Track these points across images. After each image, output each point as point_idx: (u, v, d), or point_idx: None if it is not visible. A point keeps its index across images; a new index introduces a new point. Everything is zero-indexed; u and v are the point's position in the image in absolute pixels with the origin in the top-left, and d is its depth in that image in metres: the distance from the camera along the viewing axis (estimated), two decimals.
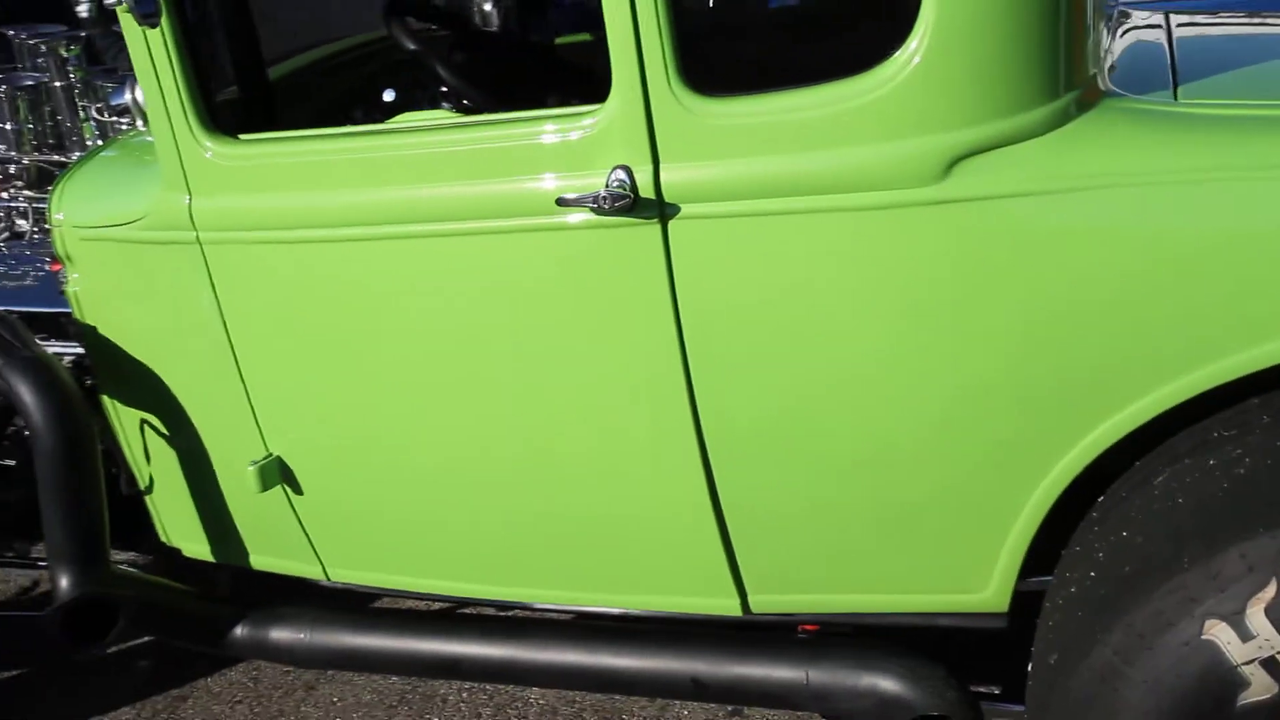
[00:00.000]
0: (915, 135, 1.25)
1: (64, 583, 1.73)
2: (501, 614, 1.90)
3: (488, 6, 2.01)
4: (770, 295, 1.35)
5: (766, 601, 1.56)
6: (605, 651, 1.65)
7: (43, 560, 1.96)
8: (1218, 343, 1.25)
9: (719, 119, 1.31)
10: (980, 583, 1.45)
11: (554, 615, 1.77)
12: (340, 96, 1.93)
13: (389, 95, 1.77)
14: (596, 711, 2.04)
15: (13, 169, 2.71)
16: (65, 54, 2.82)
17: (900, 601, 1.52)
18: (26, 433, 1.83)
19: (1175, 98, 1.34)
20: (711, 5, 1.41)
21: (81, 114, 2.77)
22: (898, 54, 1.24)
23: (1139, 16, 1.71)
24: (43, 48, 2.84)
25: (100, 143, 2.62)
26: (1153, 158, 1.24)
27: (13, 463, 2.12)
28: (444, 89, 1.79)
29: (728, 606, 1.57)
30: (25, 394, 1.73)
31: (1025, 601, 1.45)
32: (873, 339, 1.34)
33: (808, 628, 1.61)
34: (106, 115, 2.66)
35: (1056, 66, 1.26)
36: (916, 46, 1.23)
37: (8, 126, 2.74)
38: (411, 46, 1.75)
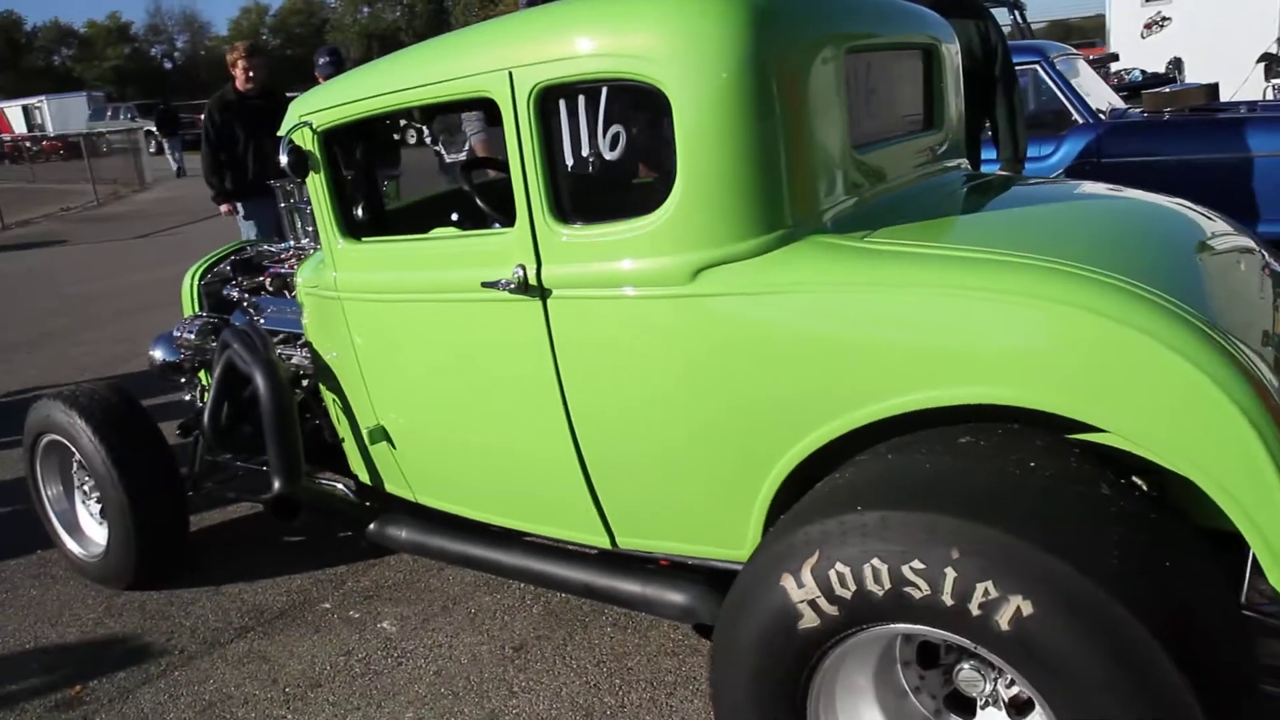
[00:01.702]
0: (675, 253, 2.02)
1: (275, 484, 2.94)
2: (501, 532, 2.80)
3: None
4: (600, 344, 2.17)
5: (626, 541, 2.38)
6: (550, 562, 2.55)
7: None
8: (849, 399, 1.91)
9: (570, 239, 2.15)
10: (740, 542, 2.17)
11: (533, 539, 2.68)
12: (414, 218, 2.96)
13: (455, 216, 2.78)
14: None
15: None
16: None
17: (700, 550, 2.26)
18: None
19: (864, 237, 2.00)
20: (570, 170, 2.23)
21: None
22: (665, 203, 2.02)
23: None
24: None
25: None
26: (811, 274, 1.93)
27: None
28: (454, 215, 2.78)
29: (603, 541, 2.41)
30: (258, 376, 2.97)
31: None
32: (653, 378, 2.13)
33: (663, 562, 2.42)
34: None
35: (766, 215, 1.95)
36: (673, 200, 2.01)
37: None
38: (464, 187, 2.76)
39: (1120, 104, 6.27)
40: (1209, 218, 2.44)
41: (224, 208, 6.19)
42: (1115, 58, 11.18)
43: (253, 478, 3.53)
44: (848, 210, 2.10)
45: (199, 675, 2.96)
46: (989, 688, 1.84)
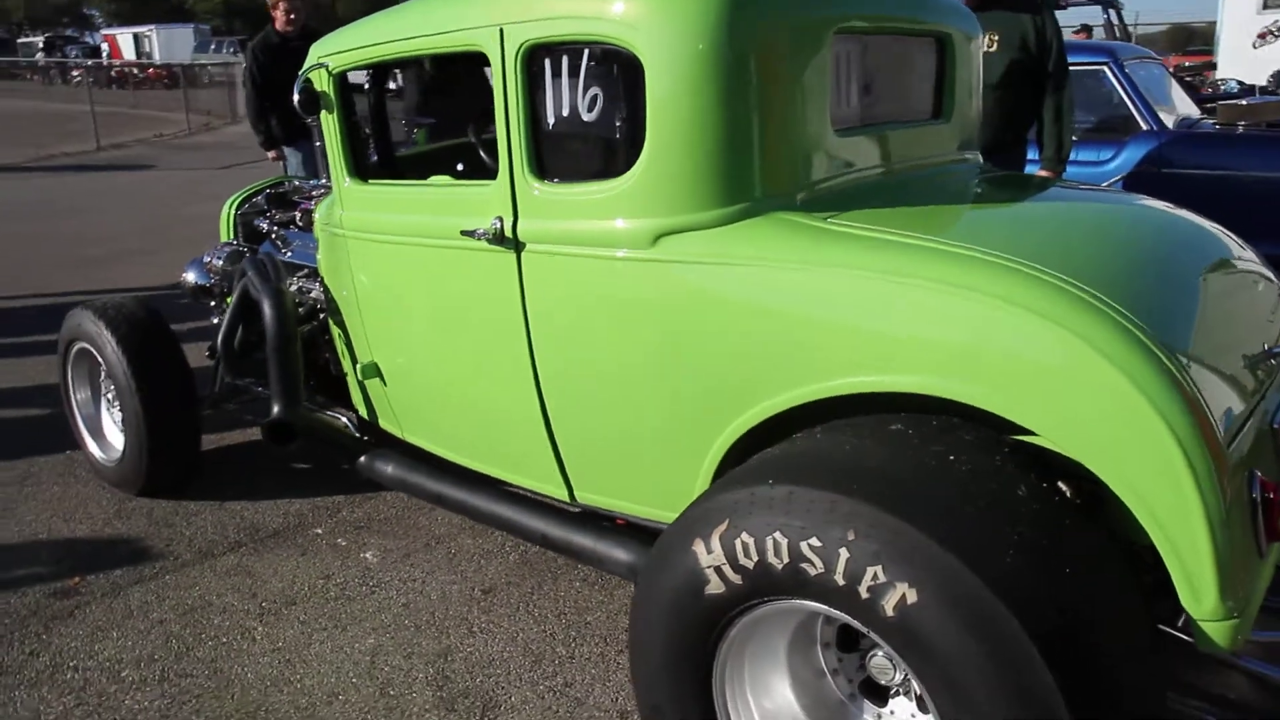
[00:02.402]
0: (639, 217, 2.06)
1: (274, 410, 3.05)
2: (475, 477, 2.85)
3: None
4: (565, 299, 2.22)
5: (584, 496, 2.43)
6: (514, 509, 2.62)
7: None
8: (790, 376, 1.93)
9: (546, 195, 2.20)
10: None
11: (504, 487, 2.75)
12: (424, 165, 3.02)
13: (461, 166, 2.84)
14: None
15: None
16: None
17: (650, 512, 2.30)
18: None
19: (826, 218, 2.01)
20: (550, 129, 2.27)
21: None
22: (633, 168, 2.06)
23: None
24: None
25: None
26: (762, 249, 1.95)
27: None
28: (460, 165, 2.83)
29: (562, 494, 2.47)
30: (265, 304, 3.08)
31: None
32: (610, 338, 2.17)
33: (620, 521, 2.47)
34: None
35: (729, 188, 1.98)
36: (640, 166, 2.05)
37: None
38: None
39: (1196, 114, 6.05)
40: (1223, 238, 2.38)
41: (271, 154, 6.17)
42: (1212, 66, 10.75)
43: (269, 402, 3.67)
44: (821, 190, 2.11)
45: (187, 581, 3.12)
46: (899, 677, 1.86)
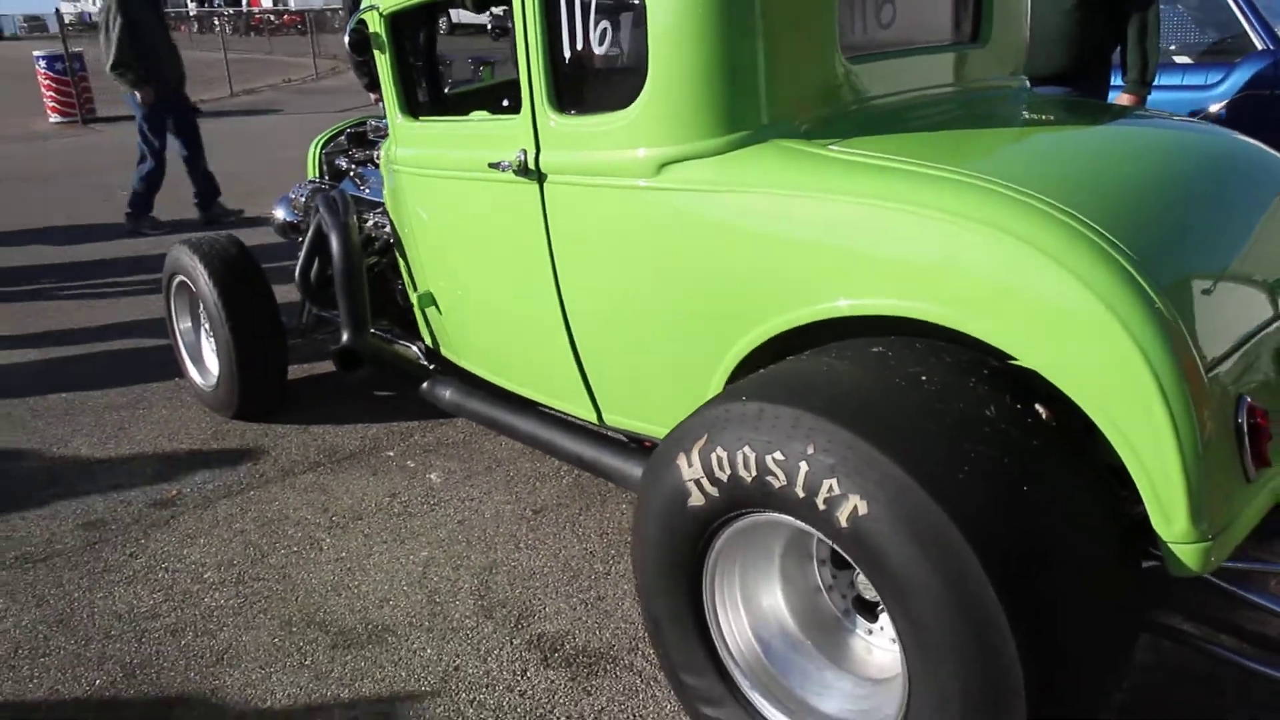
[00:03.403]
0: (644, 147, 2.12)
1: (343, 337, 3.27)
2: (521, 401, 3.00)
3: None
4: (583, 227, 2.32)
5: (611, 418, 2.55)
6: (554, 431, 2.76)
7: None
8: (786, 299, 1.98)
9: (564, 128, 2.29)
10: None
11: (545, 410, 2.88)
12: (473, 102, 3.12)
13: (505, 102, 2.93)
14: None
15: None
16: None
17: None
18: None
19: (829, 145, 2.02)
20: (566, 63, 2.34)
21: None
22: (636, 100, 2.13)
23: None
24: None
25: None
26: (759, 175, 1.99)
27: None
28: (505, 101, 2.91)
29: (592, 416, 2.59)
30: (333, 238, 3.28)
31: None
32: (625, 263, 2.26)
33: (647, 444, 2.57)
34: None
35: (729, 116, 2.03)
36: (644, 97, 2.10)
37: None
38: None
39: None
40: (1255, 155, 2.28)
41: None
42: None
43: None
44: (830, 117, 2.13)
45: (269, 496, 3.39)
46: None
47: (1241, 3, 5.08)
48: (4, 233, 7.77)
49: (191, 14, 40.76)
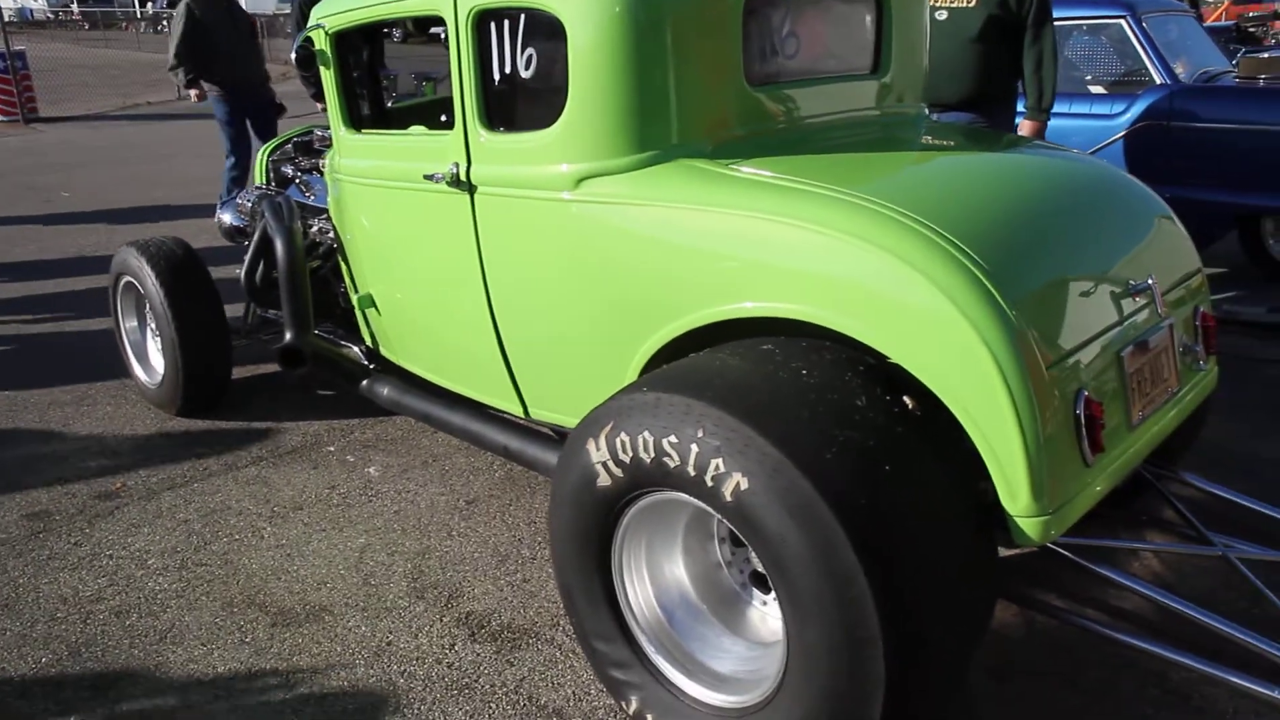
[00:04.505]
0: (565, 162, 2.34)
1: (286, 336, 3.43)
2: (454, 396, 3.19)
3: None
4: (509, 236, 2.52)
5: (537, 412, 2.75)
6: (483, 424, 2.95)
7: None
8: (684, 303, 2.21)
9: (491, 144, 2.50)
10: None
11: (480, 406, 3.08)
12: (410, 117, 3.32)
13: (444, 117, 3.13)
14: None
15: None
16: None
17: None
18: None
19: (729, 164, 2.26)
20: (495, 84, 2.55)
21: None
22: (558, 120, 2.34)
23: None
24: None
25: None
26: (663, 191, 2.22)
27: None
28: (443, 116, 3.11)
29: (518, 410, 2.80)
30: (277, 241, 3.44)
31: None
32: (546, 269, 2.47)
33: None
34: None
35: (640, 136, 2.25)
36: (564, 117, 2.32)
37: None
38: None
39: (1224, 68, 6.02)
40: (1127, 188, 2.55)
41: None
42: (1277, 16, 10.43)
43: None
44: (734, 140, 2.36)
45: (212, 489, 3.53)
46: None
47: (1143, 40, 5.44)
48: None
49: (138, 15, 40.23)
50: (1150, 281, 2.24)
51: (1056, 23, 4.49)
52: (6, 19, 17.79)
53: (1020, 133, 4.30)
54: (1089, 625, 2.22)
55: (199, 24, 6.64)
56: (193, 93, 6.85)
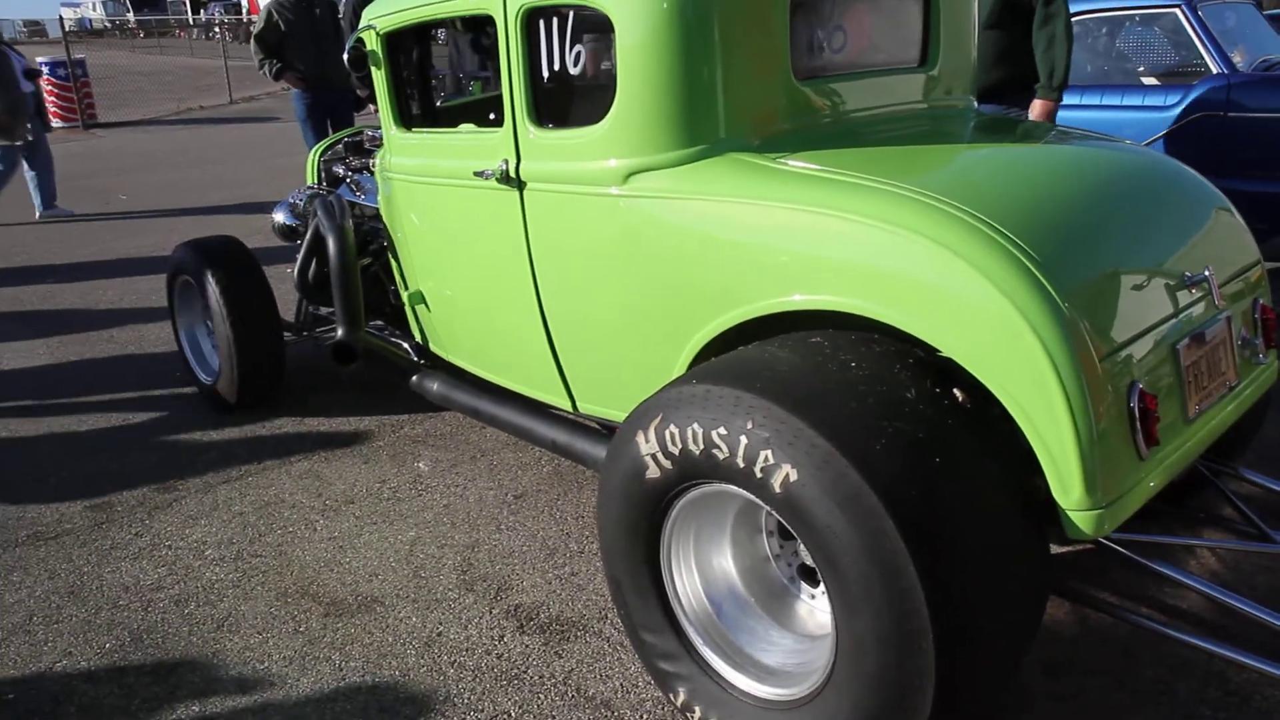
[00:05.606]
0: (614, 157, 2.36)
1: (339, 332, 3.49)
2: (503, 392, 3.22)
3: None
4: (559, 231, 2.54)
5: (585, 406, 2.77)
6: (532, 419, 2.98)
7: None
8: (736, 295, 2.21)
9: (542, 140, 2.52)
10: None
11: (528, 400, 3.11)
12: (461, 114, 3.36)
13: (492, 115, 3.17)
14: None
15: None
16: None
17: None
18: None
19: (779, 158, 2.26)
20: (544, 81, 2.57)
21: None
22: (607, 116, 2.36)
23: None
24: None
25: None
26: (713, 185, 2.22)
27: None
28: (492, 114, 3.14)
29: (567, 405, 2.82)
30: (329, 239, 3.50)
31: None
32: (596, 264, 2.48)
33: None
34: None
35: (689, 131, 2.26)
36: (613, 113, 2.34)
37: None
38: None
39: None
40: (1179, 179, 2.51)
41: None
42: None
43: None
44: (781, 133, 2.36)
45: (266, 482, 3.60)
46: None
47: (1198, 29, 5.34)
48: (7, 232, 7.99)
49: (191, 22, 41.10)
50: (1207, 273, 2.20)
51: (1108, 13, 4.44)
52: (68, 28, 18.25)
53: (1032, 114, 4.24)
54: (1145, 623, 2.19)
55: (280, 23, 6.74)
56: (283, 82, 6.99)
